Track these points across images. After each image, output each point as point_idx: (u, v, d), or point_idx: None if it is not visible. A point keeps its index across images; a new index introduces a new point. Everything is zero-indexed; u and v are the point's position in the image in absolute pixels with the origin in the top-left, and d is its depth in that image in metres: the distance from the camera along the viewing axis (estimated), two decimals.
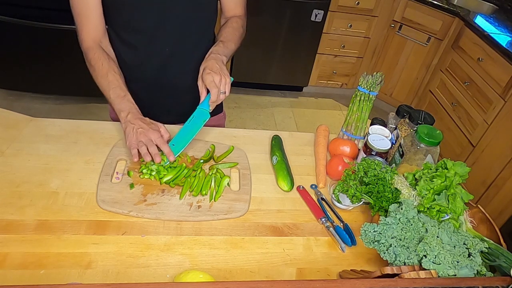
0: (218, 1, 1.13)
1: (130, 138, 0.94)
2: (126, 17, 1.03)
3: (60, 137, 1.04)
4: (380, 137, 1.02)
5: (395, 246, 0.74)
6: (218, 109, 1.30)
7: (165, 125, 1.01)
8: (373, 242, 0.77)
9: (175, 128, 1.09)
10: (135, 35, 1.06)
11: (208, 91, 0.97)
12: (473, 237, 0.76)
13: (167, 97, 1.18)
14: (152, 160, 0.94)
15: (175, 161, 0.96)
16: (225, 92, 0.98)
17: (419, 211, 0.82)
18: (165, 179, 0.93)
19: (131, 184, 0.91)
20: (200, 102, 0.99)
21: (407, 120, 1.05)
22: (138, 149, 0.93)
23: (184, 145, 0.98)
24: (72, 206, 0.86)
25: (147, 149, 0.92)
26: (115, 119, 1.05)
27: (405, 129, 1.04)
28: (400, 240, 0.75)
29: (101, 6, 1.00)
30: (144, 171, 0.94)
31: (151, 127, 0.95)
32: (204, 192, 0.92)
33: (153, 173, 0.94)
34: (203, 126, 1.00)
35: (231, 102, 2.98)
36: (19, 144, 1.00)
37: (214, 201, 0.91)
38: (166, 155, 0.93)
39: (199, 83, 0.99)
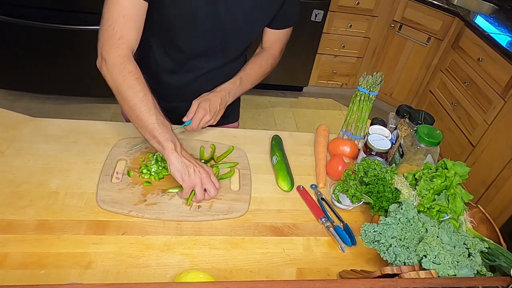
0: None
1: (192, 178, 0.87)
2: (177, 40, 1.01)
3: (60, 137, 1.04)
4: (380, 137, 1.02)
5: (395, 246, 0.74)
6: (235, 117, 1.34)
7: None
8: (373, 242, 0.77)
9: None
10: (178, 53, 1.05)
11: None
12: (473, 237, 0.76)
13: (187, 103, 1.16)
14: (153, 161, 0.95)
15: None
16: (204, 128, 1.03)
17: (419, 211, 0.82)
18: (170, 190, 0.92)
19: (146, 183, 0.93)
20: (184, 120, 1.00)
21: (407, 120, 1.05)
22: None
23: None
24: (72, 206, 0.86)
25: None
26: (128, 119, 1.03)
27: (405, 129, 1.04)
28: (400, 240, 0.75)
29: (145, 16, 0.92)
30: (144, 171, 0.94)
31: (196, 163, 0.90)
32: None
33: (153, 173, 0.94)
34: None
35: (239, 106, 2.98)
36: (19, 144, 1.00)
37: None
38: (212, 195, 0.90)
39: (193, 107, 1.00)
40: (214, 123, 1.03)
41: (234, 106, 1.25)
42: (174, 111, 1.11)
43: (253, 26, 1.05)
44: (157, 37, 1.03)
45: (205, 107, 0.99)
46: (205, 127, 1.04)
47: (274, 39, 1.13)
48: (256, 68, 1.12)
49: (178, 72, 1.10)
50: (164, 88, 1.14)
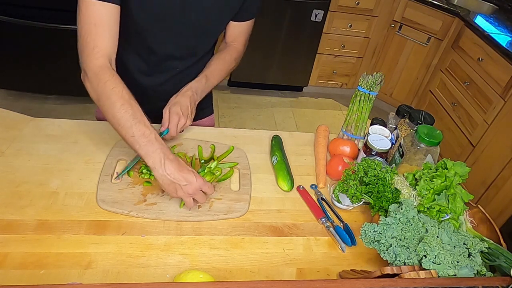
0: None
1: (172, 194, 0.84)
2: (148, 42, 1.02)
3: (60, 137, 1.04)
4: (380, 137, 1.02)
5: (395, 246, 0.74)
6: (209, 111, 1.33)
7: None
8: (373, 242, 0.77)
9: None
10: (150, 55, 1.06)
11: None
12: (473, 237, 0.76)
13: (163, 103, 1.19)
14: None
15: None
16: (182, 131, 1.02)
17: (419, 211, 0.82)
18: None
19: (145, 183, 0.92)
20: (160, 131, 0.98)
21: (407, 120, 1.05)
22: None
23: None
24: (72, 206, 0.86)
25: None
26: (102, 119, 1.02)
27: (405, 129, 1.04)
28: (400, 240, 0.75)
29: (119, 20, 0.90)
30: (144, 171, 0.94)
31: (188, 174, 0.83)
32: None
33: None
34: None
35: (231, 102, 2.98)
36: (19, 144, 1.00)
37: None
38: (209, 194, 0.88)
39: (165, 114, 0.98)
40: (190, 124, 1.02)
41: (207, 99, 1.25)
42: (150, 112, 1.13)
43: (221, 22, 1.06)
44: (128, 40, 1.02)
45: (177, 111, 0.98)
46: (182, 131, 1.03)
47: (238, 33, 1.13)
48: (220, 63, 1.12)
49: (152, 73, 1.11)
50: (140, 90, 1.13)
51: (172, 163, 0.82)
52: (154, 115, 1.09)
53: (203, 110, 1.26)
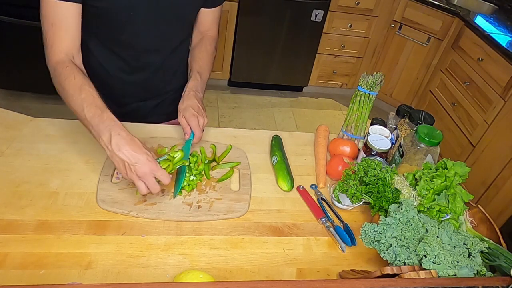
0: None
1: (123, 174, 0.80)
2: (119, 34, 1.00)
3: (60, 137, 1.04)
4: (380, 137, 1.02)
5: (395, 246, 0.74)
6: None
7: (152, 124, 1.07)
8: (373, 242, 0.77)
9: (161, 127, 1.12)
10: (127, 50, 1.05)
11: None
12: (473, 237, 0.76)
13: (147, 101, 1.21)
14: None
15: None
16: (203, 131, 1.01)
17: (419, 211, 0.82)
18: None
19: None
20: (185, 139, 0.97)
21: (407, 120, 1.05)
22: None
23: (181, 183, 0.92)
24: (72, 206, 0.86)
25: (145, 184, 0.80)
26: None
27: (405, 129, 1.04)
28: (400, 240, 0.75)
29: (80, 18, 0.91)
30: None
31: (143, 158, 0.78)
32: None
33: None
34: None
35: (231, 102, 2.98)
36: (19, 144, 1.00)
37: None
38: (164, 183, 0.81)
39: (182, 121, 0.98)
40: (207, 121, 1.02)
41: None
42: (134, 111, 1.15)
43: (192, 7, 1.06)
44: (99, 38, 1.02)
45: (192, 113, 0.98)
46: (203, 130, 1.03)
47: (211, 20, 1.14)
48: (205, 56, 1.12)
49: (132, 71, 1.10)
50: (118, 91, 1.14)
51: (124, 140, 0.78)
52: (138, 116, 1.12)
53: None
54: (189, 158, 0.95)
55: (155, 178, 0.79)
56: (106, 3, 0.91)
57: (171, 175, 0.82)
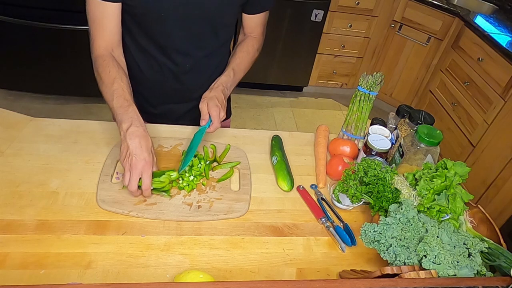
0: (238, 18, 1.13)
1: (121, 159, 0.85)
2: (152, 33, 1.02)
3: (60, 137, 1.04)
4: (380, 137, 1.02)
5: (395, 246, 0.74)
6: (228, 113, 1.34)
7: (179, 126, 1.08)
8: (373, 242, 0.77)
9: (161, 127, 1.13)
10: (158, 49, 1.06)
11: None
12: (473, 237, 0.76)
13: (180, 104, 1.20)
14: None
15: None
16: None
17: (419, 211, 0.82)
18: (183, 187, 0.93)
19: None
20: (201, 125, 0.98)
21: (407, 120, 1.05)
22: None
23: (187, 162, 0.94)
24: (72, 206, 0.86)
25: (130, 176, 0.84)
26: None
27: (405, 129, 1.04)
28: (400, 240, 0.75)
29: (119, 15, 0.97)
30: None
31: (144, 155, 0.84)
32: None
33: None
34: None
35: (231, 102, 2.98)
36: (19, 144, 1.00)
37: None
38: (143, 189, 0.85)
39: (203, 108, 0.98)
40: (225, 117, 1.02)
41: (227, 102, 1.25)
42: (167, 113, 1.14)
43: (223, 14, 1.04)
44: (133, 35, 1.04)
45: (216, 104, 0.98)
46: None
47: (254, 24, 1.15)
48: (245, 56, 1.13)
49: (161, 71, 1.10)
50: (150, 90, 1.15)
51: (139, 132, 0.86)
52: (169, 118, 1.12)
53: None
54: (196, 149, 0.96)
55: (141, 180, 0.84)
56: (138, 2, 0.94)
57: (152, 193, 0.88)
